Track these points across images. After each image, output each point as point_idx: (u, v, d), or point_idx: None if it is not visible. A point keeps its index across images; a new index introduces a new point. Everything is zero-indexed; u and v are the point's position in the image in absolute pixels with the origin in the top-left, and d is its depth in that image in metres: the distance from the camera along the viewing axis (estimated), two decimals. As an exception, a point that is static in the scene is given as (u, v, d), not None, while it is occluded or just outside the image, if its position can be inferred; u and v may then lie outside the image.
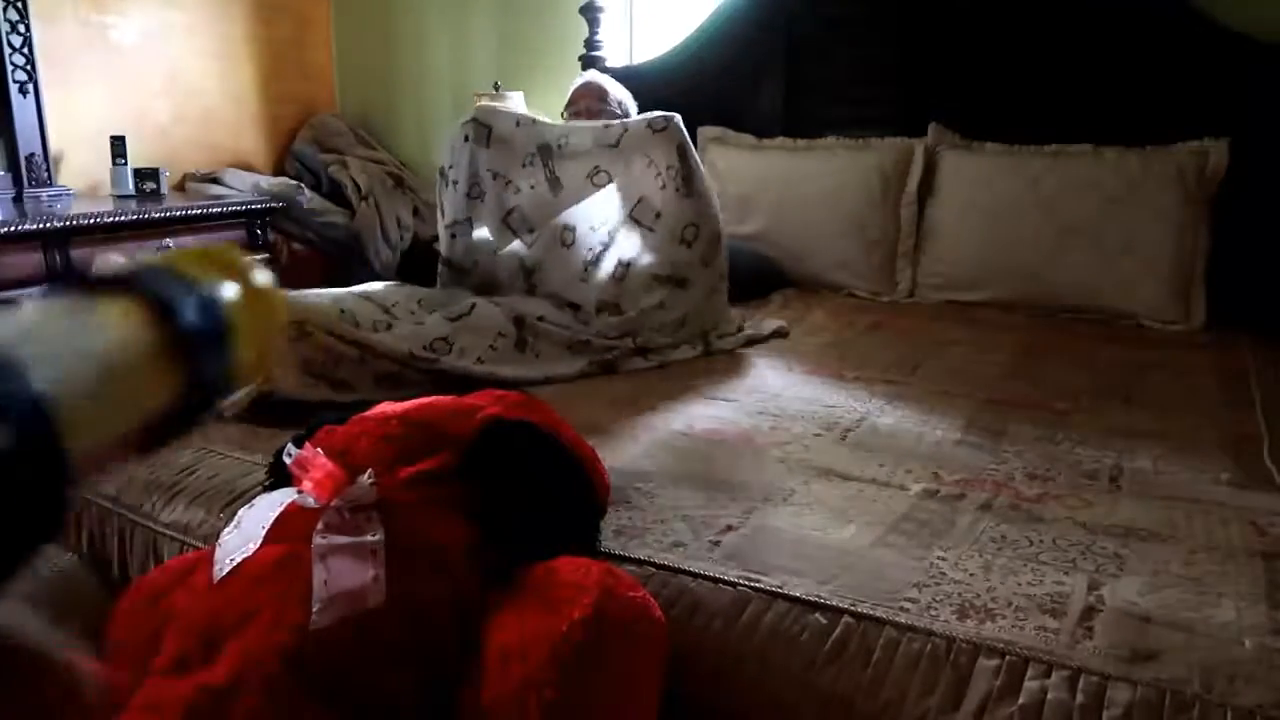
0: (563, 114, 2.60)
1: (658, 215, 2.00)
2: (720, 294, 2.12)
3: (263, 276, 0.62)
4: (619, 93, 2.61)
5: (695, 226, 2.01)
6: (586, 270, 2.02)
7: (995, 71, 2.61)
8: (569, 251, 2.06)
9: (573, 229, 2.06)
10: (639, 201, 2.01)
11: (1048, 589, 1.01)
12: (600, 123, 2.13)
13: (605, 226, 2.04)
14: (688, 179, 2.01)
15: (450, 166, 2.16)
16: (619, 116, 2.54)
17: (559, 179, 2.06)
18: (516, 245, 2.10)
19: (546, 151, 2.08)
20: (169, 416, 0.52)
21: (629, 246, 2.02)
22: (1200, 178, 2.33)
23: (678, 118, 2.06)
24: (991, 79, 2.62)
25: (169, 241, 2.58)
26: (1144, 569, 1.06)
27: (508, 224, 2.10)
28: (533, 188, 2.08)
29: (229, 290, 0.57)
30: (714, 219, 2.06)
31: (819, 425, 1.54)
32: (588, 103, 2.54)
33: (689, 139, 2.06)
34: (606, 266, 2.01)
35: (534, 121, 2.12)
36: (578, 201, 2.05)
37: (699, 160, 2.08)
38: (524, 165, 2.09)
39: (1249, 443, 1.49)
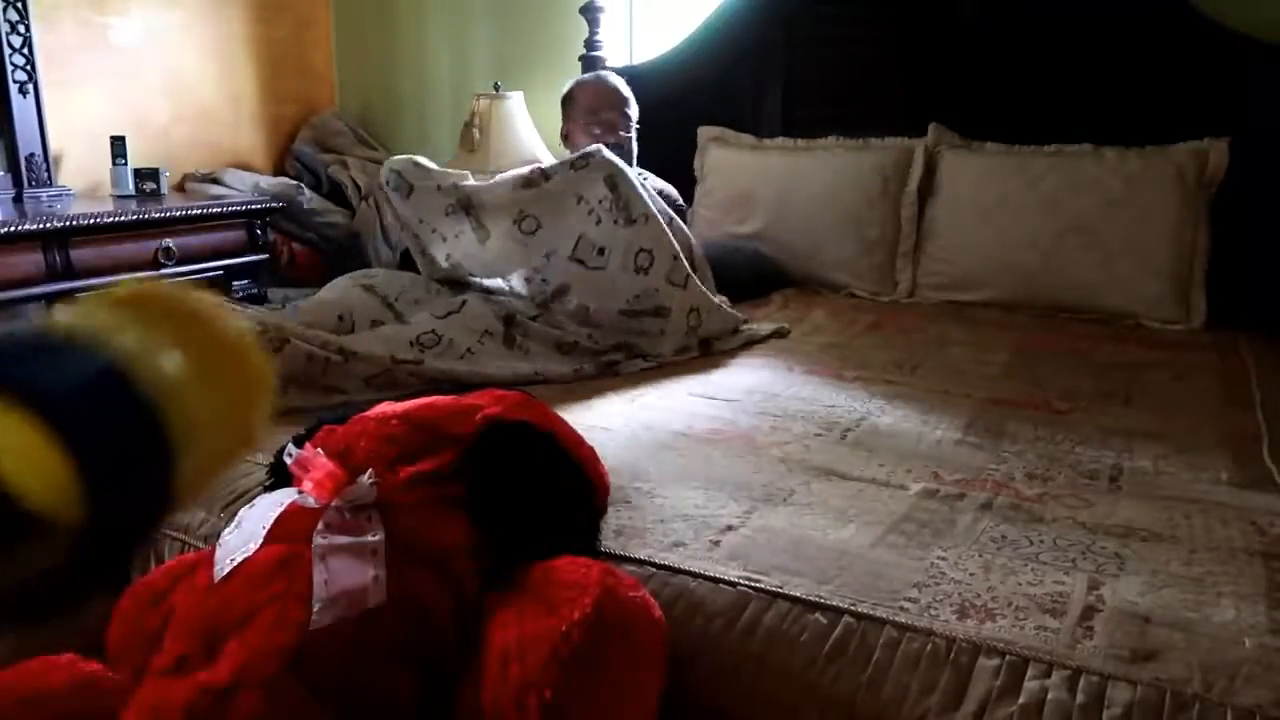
0: (569, 123, 2.53)
1: (601, 251, 1.91)
2: (715, 310, 2.02)
3: (232, 327, 0.41)
4: (627, 92, 2.56)
5: (648, 252, 1.91)
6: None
7: (995, 71, 2.61)
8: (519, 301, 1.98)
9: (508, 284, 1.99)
10: (579, 240, 1.92)
11: (1048, 589, 1.01)
12: (517, 171, 2.03)
13: (549, 272, 1.94)
14: (625, 207, 1.91)
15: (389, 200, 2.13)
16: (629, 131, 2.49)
17: (485, 227, 1.99)
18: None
19: (467, 202, 2.01)
20: (61, 572, 0.34)
21: (584, 290, 1.92)
22: (1200, 177, 2.33)
23: (601, 152, 1.97)
24: (991, 79, 2.62)
25: (169, 242, 2.58)
26: (1144, 569, 1.06)
27: (451, 265, 2.06)
28: (458, 237, 2.02)
29: (167, 356, 0.37)
30: (669, 238, 1.95)
31: (819, 425, 1.54)
32: (609, 115, 2.46)
33: (621, 168, 1.96)
34: (569, 304, 1.92)
35: (456, 187, 2.02)
36: (504, 253, 1.97)
37: (640, 185, 1.98)
38: (446, 214, 2.02)
39: (1249, 442, 1.49)
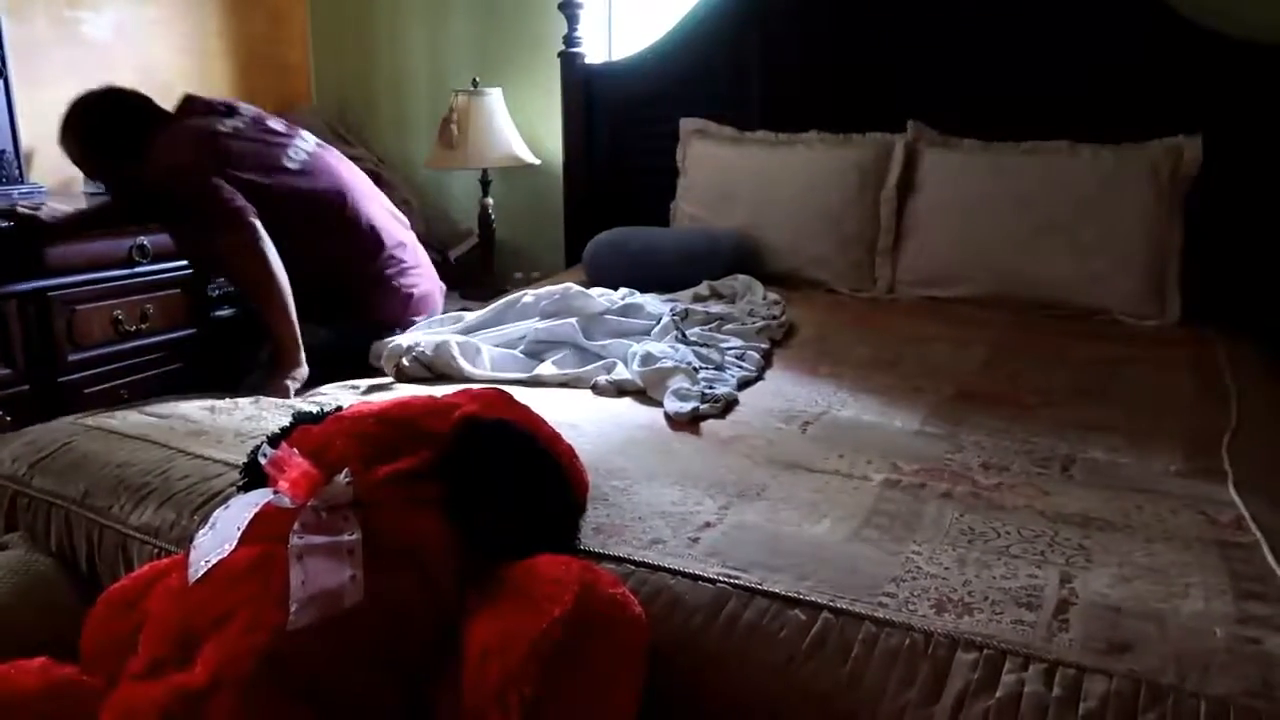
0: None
1: None
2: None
3: None
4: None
5: None
6: None
7: (973, 69, 2.62)
8: None
9: None
10: None
11: (1021, 582, 1.02)
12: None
13: None
14: None
15: None
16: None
17: None
18: None
19: None
20: None
21: None
22: (1174, 174, 2.34)
23: None
24: (969, 76, 2.63)
25: (143, 239, 2.55)
26: (1109, 560, 1.07)
27: None
28: None
29: None
30: None
31: (779, 419, 1.56)
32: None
33: None
34: None
35: None
36: None
37: None
38: None
39: (1209, 436, 1.51)
